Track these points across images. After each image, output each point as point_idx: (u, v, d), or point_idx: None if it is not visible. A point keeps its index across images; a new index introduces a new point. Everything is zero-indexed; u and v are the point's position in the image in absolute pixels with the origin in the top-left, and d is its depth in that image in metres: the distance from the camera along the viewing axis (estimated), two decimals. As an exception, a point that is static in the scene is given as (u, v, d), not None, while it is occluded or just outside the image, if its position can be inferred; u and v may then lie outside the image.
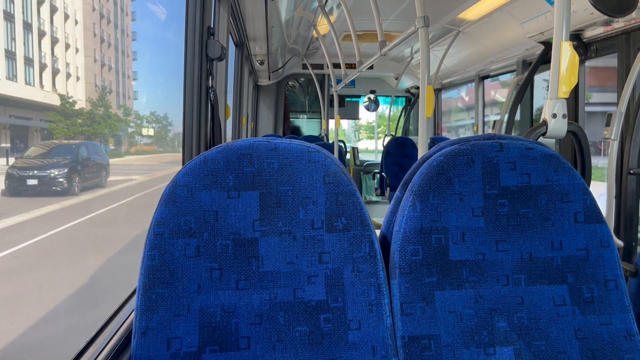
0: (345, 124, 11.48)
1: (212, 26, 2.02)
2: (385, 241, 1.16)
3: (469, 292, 1.09)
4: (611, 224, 2.73)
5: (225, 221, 1.05)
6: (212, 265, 1.04)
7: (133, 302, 1.12)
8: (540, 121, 1.28)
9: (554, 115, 1.26)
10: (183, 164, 1.94)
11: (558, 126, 1.26)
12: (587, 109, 3.66)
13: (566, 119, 1.26)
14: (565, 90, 1.23)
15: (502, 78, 5.50)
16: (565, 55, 1.23)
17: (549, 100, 1.26)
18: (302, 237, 1.07)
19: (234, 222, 1.06)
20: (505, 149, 1.12)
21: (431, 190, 1.10)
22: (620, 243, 2.72)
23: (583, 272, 1.11)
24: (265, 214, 1.07)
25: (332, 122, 6.39)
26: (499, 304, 1.09)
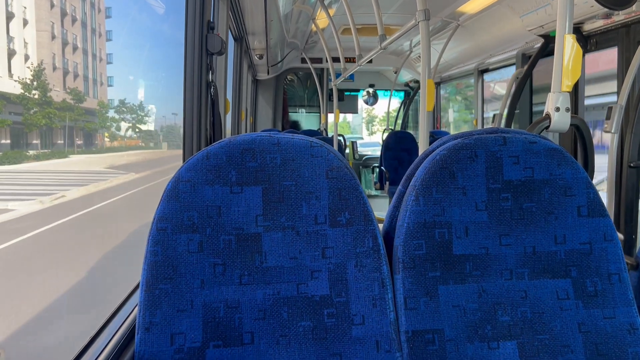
0: (349, 115, 10.92)
1: (211, 20, 2.01)
2: (388, 236, 1.16)
3: (472, 286, 1.09)
4: (611, 217, 2.73)
5: (228, 216, 1.05)
6: (215, 260, 1.04)
7: (136, 297, 1.12)
8: (544, 115, 1.28)
9: (557, 109, 1.25)
10: (184, 159, 1.94)
11: (561, 119, 1.26)
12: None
13: (569, 112, 1.26)
14: (568, 84, 1.23)
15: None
16: (568, 48, 1.22)
17: (552, 93, 1.26)
18: (305, 232, 1.07)
19: (237, 217, 1.05)
20: (509, 143, 1.11)
21: (434, 185, 1.10)
22: (620, 236, 2.72)
23: (586, 265, 1.11)
24: (268, 209, 1.06)
25: (332, 116, 6.35)
26: (502, 298, 1.09)
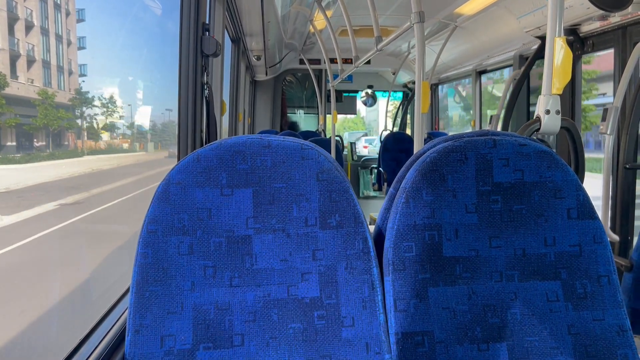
0: (363, 110, 10.00)
1: (207, 22, 2.01)
2: (379, 238, 1.16)
3: (462, 288, 1.09)
4: (607, 219, 2.74)
5: (219, 218, 1.05)
6: (205, 262, 1.04)
7: (127, 299, 1.12)
8: (534, 117, 1.28)
9: (548, 112, 1.25)
10: (178, 161, 1.94)
11: (551, 122, 1.26)
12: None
13: (560, 115, 1.26)
14: (558, 86, 1.23)
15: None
16: (558, 51, 1.22)
17: (543, 96, 1.26)
18: (295, 234, 1.07)
19: (228, 220, 1.06)
20: (499, 146, 1.12)
21: (424, 187, 1.10)
22: (615, 238, 2.73)
23: (576, 268, 1.11)
24: (259, 211, 1.07)
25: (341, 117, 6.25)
26: (492, 300, 1.10)
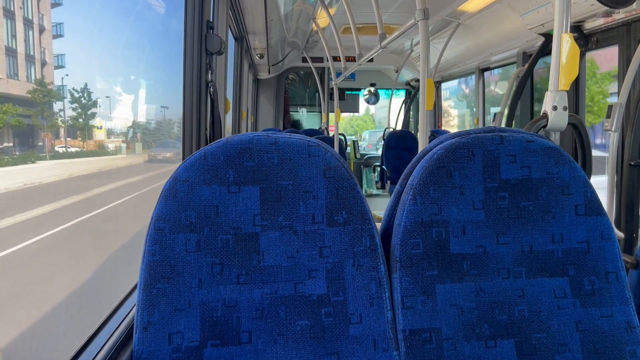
0: (372, 107, 9.54)
1: (211, 20, 2.02)
2: (386, 235, 1.16)
3: (469, 285, 1.09)
4: (612, 216, 2.73)
5: (226, 216, 1.05)
6: (212, 260, 1.04)
7: (134, 297, 1.12)
8: (541, 114, 1.28)
9: (555, 108, 1.25)
10: (183, 158, 1.94)
11: (559, 118, 1.26)
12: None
13: (567, 111, 1.26)
14: (565, 83, 1.23)
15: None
16: (565, 47, 1.22)
17: (550, 92, 1.26)
18: (302, 232, 1.07)
19: (235, 217, 1.06)
20: (506, 142, 1.11)
21: (432, 184, 1.10)
22: (621, 235, 2.72)
23: (584, 264, 1.11)
24: (266, 208, 1.07)
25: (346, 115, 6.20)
26: (499, 297, 1.09)
